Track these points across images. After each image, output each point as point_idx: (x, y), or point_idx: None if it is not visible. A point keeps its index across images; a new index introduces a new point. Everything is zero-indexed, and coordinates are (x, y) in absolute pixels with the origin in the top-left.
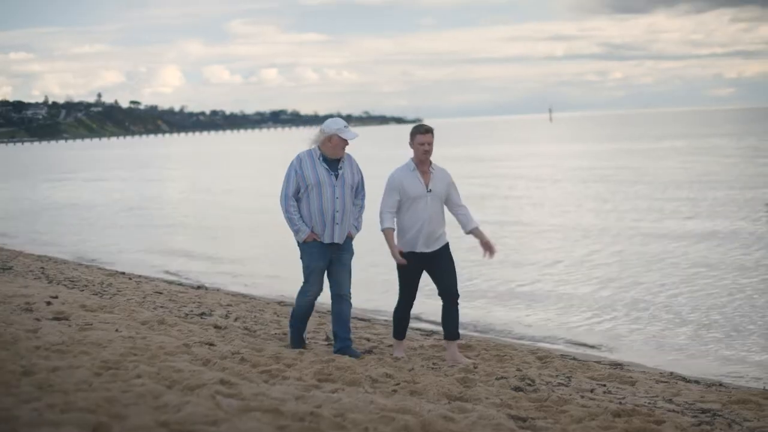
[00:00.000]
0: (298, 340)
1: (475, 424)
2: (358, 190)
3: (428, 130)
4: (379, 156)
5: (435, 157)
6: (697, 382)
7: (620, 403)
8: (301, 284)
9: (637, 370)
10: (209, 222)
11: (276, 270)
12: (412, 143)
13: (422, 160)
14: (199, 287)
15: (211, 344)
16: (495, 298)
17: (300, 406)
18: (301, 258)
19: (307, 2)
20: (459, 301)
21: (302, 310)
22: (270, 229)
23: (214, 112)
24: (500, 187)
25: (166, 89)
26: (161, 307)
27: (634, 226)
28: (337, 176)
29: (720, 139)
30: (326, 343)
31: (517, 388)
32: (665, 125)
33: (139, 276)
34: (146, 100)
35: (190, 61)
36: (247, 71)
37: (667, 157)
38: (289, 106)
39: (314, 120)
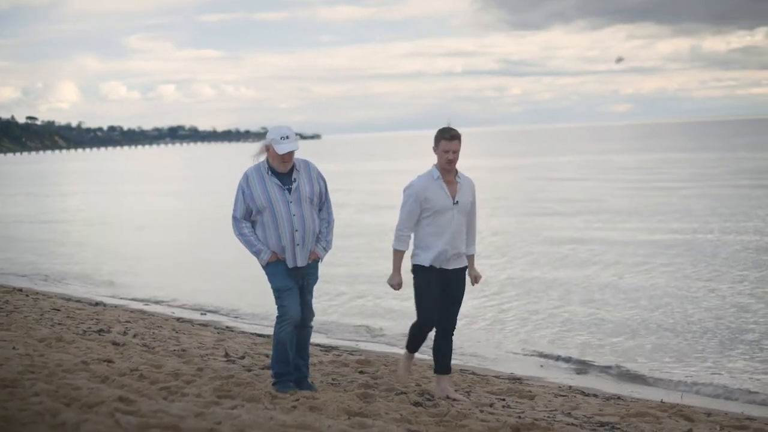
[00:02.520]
0: (285, 382)
1: None
2: (322, 201)
3: (455, 137)
4: None
5: (328, 173)
6: (595, 395)
7: (519, 417)
8: (276, 315)
9: (536, 384)
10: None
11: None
12: (436, 149)
13: (446, 170)
14: (97, 304)
15: (110, 361)
16: (395, 312)
17: (199, 422)
18: (269, 282)
19: (204, 18)
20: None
21: (283, 344)
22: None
23: (111, 128)
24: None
25: (63, 105)
26: (59, 324)
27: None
28: (290, 190)
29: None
30: (225, 359)
31: (416, 403)
32: (551, 141)
33: (37, 293)
34: (43, 115)
35: (87, 77)
36: (145, 87)
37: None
38: (187, 121)
39: (212, 136)
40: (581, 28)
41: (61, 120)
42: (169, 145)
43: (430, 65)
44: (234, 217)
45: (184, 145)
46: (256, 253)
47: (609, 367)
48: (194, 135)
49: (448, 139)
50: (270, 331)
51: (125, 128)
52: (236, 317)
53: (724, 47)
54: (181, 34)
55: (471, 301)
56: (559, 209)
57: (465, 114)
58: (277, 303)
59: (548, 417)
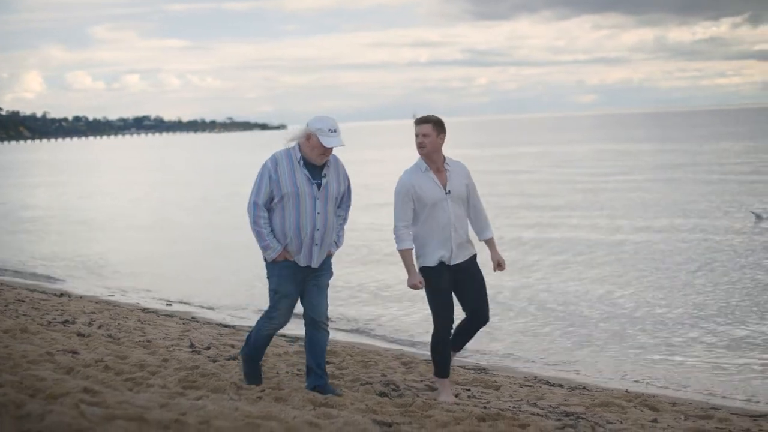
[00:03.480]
0: (254, 374)
1: (341, 430)
2: (343, 200)
3: (423, 120)
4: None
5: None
6: (560, 385)
7: (485, 407)
8: (267, 308)
9: (502, 374)
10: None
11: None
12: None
13: (425, 156)
14: (62, 295)
15: (75, 352)
16: (360, 300)
17: (164, 413)
18: (268, 278)
19: (170, 8)
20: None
21: (262, 338)
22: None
23: (77, 118)
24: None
25: (28, 95)
26: (23, 315)
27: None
28: (320, 186)
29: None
30: (190, 350)
31: (382, 394)
32: (515, 132)
33: (1, 284)
34: (8, 105)
35: (53, 67)
36: (110, 77)
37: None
38: (153, 112)
39: (178, 126)
40: (547, 18)
41: (26, 110)
42: (135, 136)
43: (396, 55)
44: (255, 203)
45: (150, 135)
46: (264, 248)
47: (575, 360)
48: (160, 125)
49: (417, 123)
50: (236, 321)
51: (90, 118)
52: (202, 308)
53: (689, 38)
54: (147, 24)
55: None
56: (505, 203)
57: (431, 104)
58: (271, 302)
59: (514, 407)
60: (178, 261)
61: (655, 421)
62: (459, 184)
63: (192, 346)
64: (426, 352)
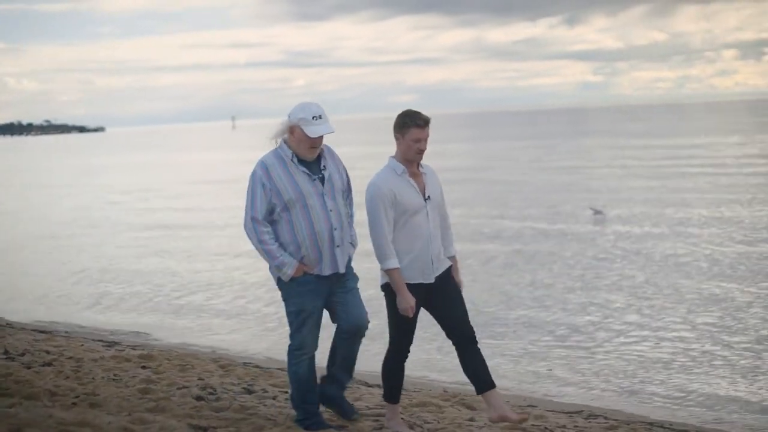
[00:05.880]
0: (318, 420)
1: None
2: (346, 194)
3: (427, 122)
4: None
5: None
6: (378, 386)
7: None
8: (289, 343)
9: (319, 375)
10: None
11: None
12: (401, 138)
13: (412, 162)
14: None
15: None
16: (179, 306)
17: None
18: (285, 301)
19: None
20: (477, 341)
21: (304, 378)
22: None
23: None
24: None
25: None
26: None
27: None
28: (323, 180)
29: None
30: (5, 356)
31: (198, 398)
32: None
33: None
34: None
35: None
36: None
37: None
38: None
39: None
40: (366, 19)
41: None
42: None
43: (213, 57)
44: (254, 219)
45: None
46: (279, 266)
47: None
48: None
49: (420, 125)
50: (54, 327)
51: None
52: (15, 312)
53: (507, 38)
54: None
55: (253, 301)
56: None
57: (250, 106)
58: (291, 328)
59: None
60: None
61: (472, 419)
62: (436, 189)
63: (6, 352)
64: (242, 356)
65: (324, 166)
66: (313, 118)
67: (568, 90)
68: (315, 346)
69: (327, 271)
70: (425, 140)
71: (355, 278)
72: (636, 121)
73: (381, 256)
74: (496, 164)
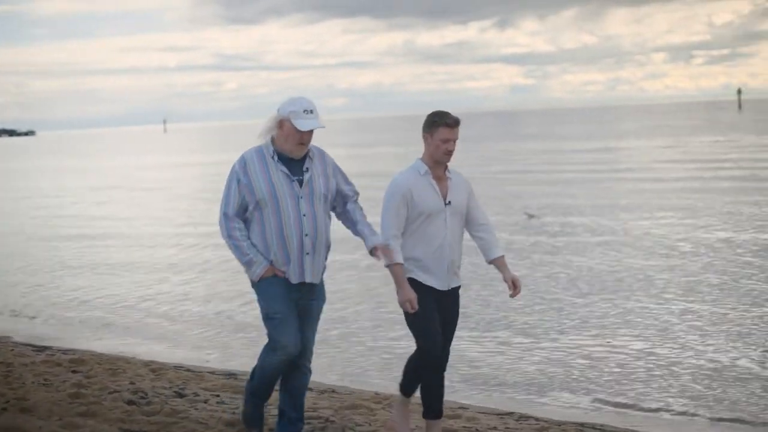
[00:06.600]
0: (255, 415)
1: None
2: (339, 194)
3: (458, 122)
4: None
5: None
6: (310, 389)
7: (233, 412)
8: (265, 344)
9: (246, 379)
10: None
11: None
12: (429, 137)
13: (440, 163)
14: None
15: None
16: (106, 307)
17: None
18: (259, 302)
19: None
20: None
21: (268, 376)
22: None
23: None
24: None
25: None
26: None
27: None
28: (302, 183)
29: None
30: None
31: (130, 402)
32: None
33: None
34: None
35: None
36: None
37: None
38: None
39: None
40: (297, 23)
41: None
42: None
43: (145, 60)
44: (225, 214)
45: None
46: (248, 264)
47: (325, 362)
48: None
49: (450, 125)
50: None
51: None
52: None
53: (438, 41)
54: None
55: (184, 301)
56: None
57: (182, 109)
58: (267, 329)
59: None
60: None
61: None
62: (460, 197)
63: None
64: (176, 359)
65: (307, 168)
66: (304, 111)
67: (500, 93)
68: (295, 348)
69: (294, 279)
70: (454, 141)
71: (323, 300)
72: (566, 124)
73: None
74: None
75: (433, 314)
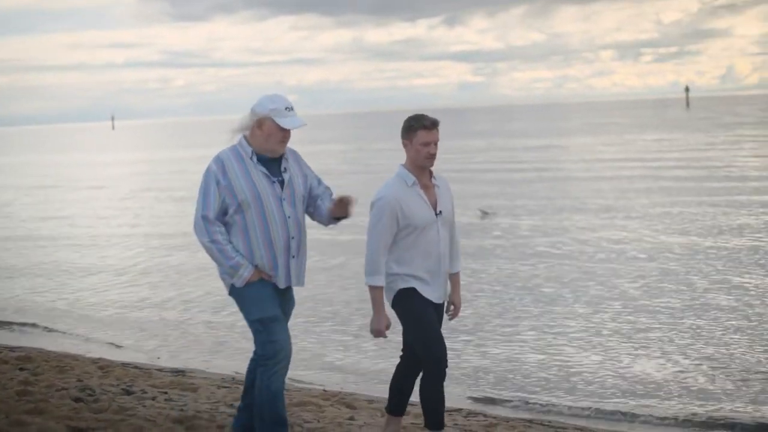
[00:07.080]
0: None
1: None
2: (314, 193)
3: (435, 124)
4: None
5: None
6: None
7: (182, 410)
8: (258, 354)
9: (200, 376)
10: None
11: None
12: (409, 143)
13: (423, 168)
14: None
15: None
16: (52, 307)
17: None
18: (244, 311)
19: None
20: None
21: (280, 392)
22: None
23: None
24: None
25: None
26: None
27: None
28: (282, 184)
29: None
30: None
31: (77, 399)
32: (203, 133)
33: None
34: None
35: None
36: None
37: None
38: None
39: None
40: (245, 19)
41: None
42: None
43: (92, 57)
44: (204, 217)
45: None
46: (234, 268)
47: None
48: None
49: (428, 127)
50: None
51: None
52: None
53: (386, 38)
54: None
55: (131, 295)
56: None
57: (129, 106)
58: (259, 338)
59: (211, 409)
60: None
61: (352, 418)
62: (449, 205)
63: None
64: (122, 356)
65: (285, 169)
66: (285, 109)
67: (449, 90)
68: (289, 351)
69: (282, 284)
70: (435, 143)
71: (293, 304)
72: (514, 122)
73: (369, 270)
74: (367, 166)
75: (436, 324)
